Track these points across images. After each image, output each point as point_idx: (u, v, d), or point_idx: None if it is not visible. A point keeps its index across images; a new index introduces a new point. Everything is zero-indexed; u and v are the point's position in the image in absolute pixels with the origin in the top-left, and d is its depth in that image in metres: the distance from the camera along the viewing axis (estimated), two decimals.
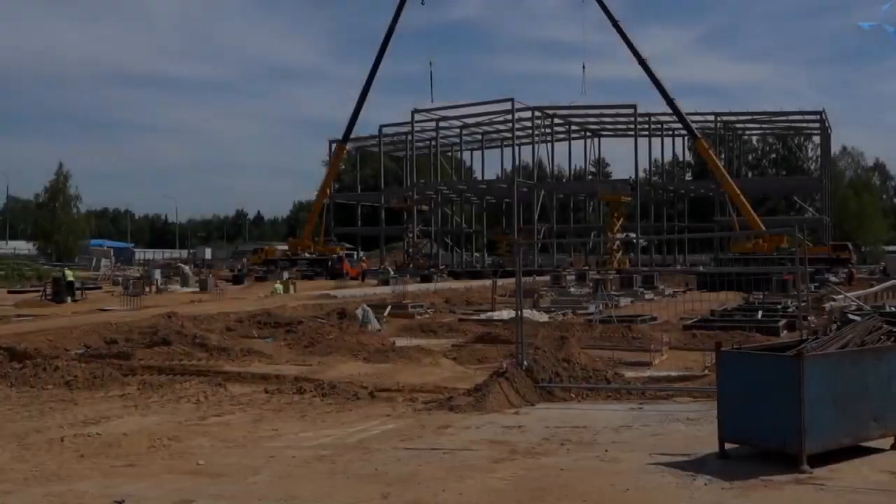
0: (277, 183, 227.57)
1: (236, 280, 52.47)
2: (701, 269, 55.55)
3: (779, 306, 26.08)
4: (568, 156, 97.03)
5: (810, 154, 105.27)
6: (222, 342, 19.05)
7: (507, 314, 24.69)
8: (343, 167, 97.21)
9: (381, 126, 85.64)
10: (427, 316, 28.52)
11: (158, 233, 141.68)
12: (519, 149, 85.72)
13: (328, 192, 78.85)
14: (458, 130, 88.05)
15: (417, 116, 78.24)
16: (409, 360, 16.46)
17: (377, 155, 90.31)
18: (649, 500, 6.02)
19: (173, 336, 19.19)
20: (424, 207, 78.31)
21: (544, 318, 25.86)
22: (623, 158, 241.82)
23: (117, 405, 11.09)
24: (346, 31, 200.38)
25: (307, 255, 70.55)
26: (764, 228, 60.40)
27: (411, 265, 70.07)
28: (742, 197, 65.01)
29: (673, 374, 14.16)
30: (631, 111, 76.24)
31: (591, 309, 27.55)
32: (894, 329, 7.63)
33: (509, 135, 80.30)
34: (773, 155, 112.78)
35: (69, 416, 10.21)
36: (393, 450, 7.80)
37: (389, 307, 28.56)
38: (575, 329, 21.34)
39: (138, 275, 52.05)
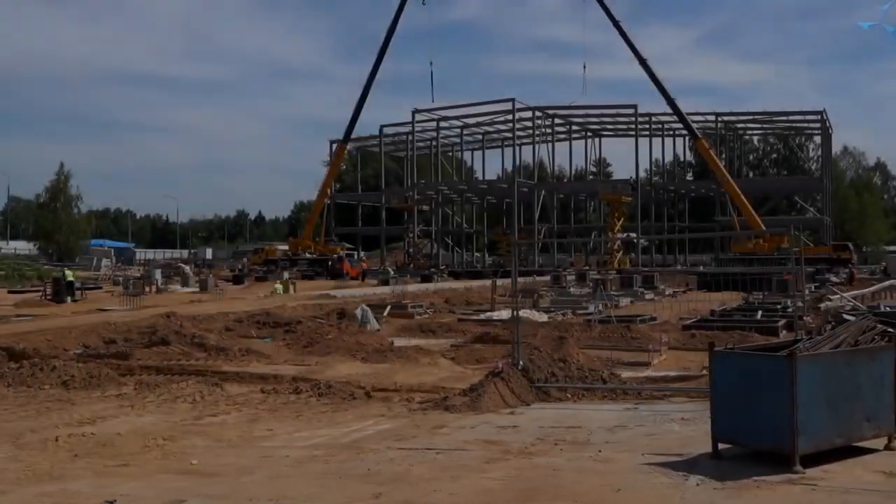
0: (278, 183, 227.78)
1: (236, 280, 52.51)
2: (701, 269, 55.55)
3: (778, 306, 26.05)
4: (569, 156, 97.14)
5: (811, 154, 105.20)
6: (221, 342, 19.07)
7: (506, 314, 24.67)
8: (344, 167, 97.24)
9: (382, 126, 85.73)
10: (426, 316, 28.51)
11: (159, 233, 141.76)
12: (519, 149, 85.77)
13: (329, 192, 78.88)
14: (458, 130, 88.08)
15: (418, 116, 78.30)
16: (407, 360, 16.47)
17: (378, 155, 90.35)
18: (641, 500, 6.01)
19: (172, 336, 19.20)
20: (425, 207, 78.32)
21: (544, 318, 25.85)
22: (624, 158, 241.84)
23: (113, 405, 11.09)
24: (348, 31, 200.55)
25: (308, 255, 70.58)
26: (764, 228, 60.38)
27: (412, 265, 70.08)
28: (743, 197, 65.00)
29: (671, 374, 14.16)
30: (631, 111, 76.23)
31: (591, 309, 27.53)
32: (888, 329, 7.62)
33: (510, 135, 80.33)
34: (774, 155, 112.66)
35: (65, 415, 10.22)
36: (387, 450, 7.80)
37: (389, 307, 28.56)
38: (574, 329, 21.34)
39: (138, 275, 52.09)
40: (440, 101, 79.75)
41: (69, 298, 34.24)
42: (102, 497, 6.26)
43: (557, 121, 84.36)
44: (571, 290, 39.33)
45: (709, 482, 6.35)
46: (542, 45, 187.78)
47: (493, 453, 7.53)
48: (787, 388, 6.54)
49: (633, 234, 67.07)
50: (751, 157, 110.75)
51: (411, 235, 75.87)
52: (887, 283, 29.46)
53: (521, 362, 10.75)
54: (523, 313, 26.43)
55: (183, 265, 64.88)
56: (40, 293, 36.67)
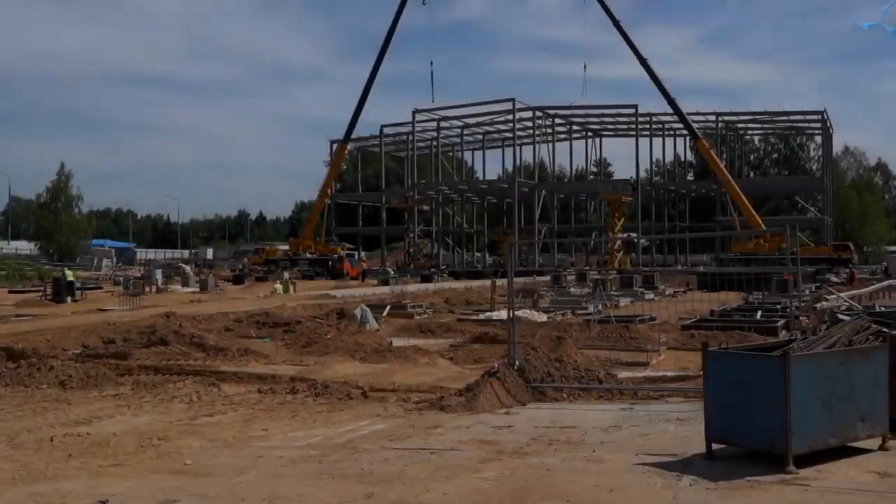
0: (279, 183, 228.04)
1: (237, 280, 52.55)
2: (701, 269, 55.52)
3: (778, 306, 26.02)
4: (569, 156, 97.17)
5: (812, 154, 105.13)
6: (220, 342, 19.08)
7: (505, 314, 24.63)
8: (344, 167, 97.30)
9: (382, 126, 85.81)
10: (426, 316, 28.50)
11: (160, 233, 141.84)
12: (520, 149, 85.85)
13: (329, 192, 78.95)
14: (459, 130, 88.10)
15: (418, 116, 78.34)
16: (405, 360, 16.47)
17: (378, 155, 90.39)
18: (633, 500, 6.01)
19: (171, 336, 19.21)
20: (425, 207, 78.34)
21: (543, 318, 25.84)
22: (624, 158, 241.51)
23: (110, 405, 11.10)
24: (348, 31, 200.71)
25: (308, 255, 70.63)
26: (765, 228, 60.35)
27: (412, 265, 70.10)
28: (743, 197, 64.99)
29: (669, 374, 14.15)
30: (632, 111, 76.26)
31: (590, 309, 27.53)
32: (883, 329, 7.61)
33: (510, 135, 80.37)
34: (775, 155, 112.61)
35: (61, 415, 10.22)
36: (381, 450, 7.80)
37: (388, 307, 28.56)
38: (572, 329, 21.33)
39: (139, 275, 52.12)
40: (441, 101, 79.73)
41: (69, 298, 34.29)
42: (95, 497, 6.26)
43: (558, 121, 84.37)
44: (571, 290, 39.31)
45: (702, 482, 6.35)
46: (542, 45, 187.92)
47: (488, 453, 7.53)
48: (780, 388, 6.53)
49: (634, 234, 67.07)
50: (751, 157, 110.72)
51: (411, 235, 75.89)
52: (886, 283, 29.41)
53: (517, 362, 10.74)
54: (523, 313, 26.50)
55: (183, 265, 64.95)
56: (40, 293, 36.70)
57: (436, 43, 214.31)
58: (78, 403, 11.21)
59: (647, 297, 36.00)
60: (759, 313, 23.52)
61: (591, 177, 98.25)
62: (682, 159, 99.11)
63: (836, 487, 6.15)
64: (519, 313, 25.92)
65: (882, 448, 7.18)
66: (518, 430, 8.59)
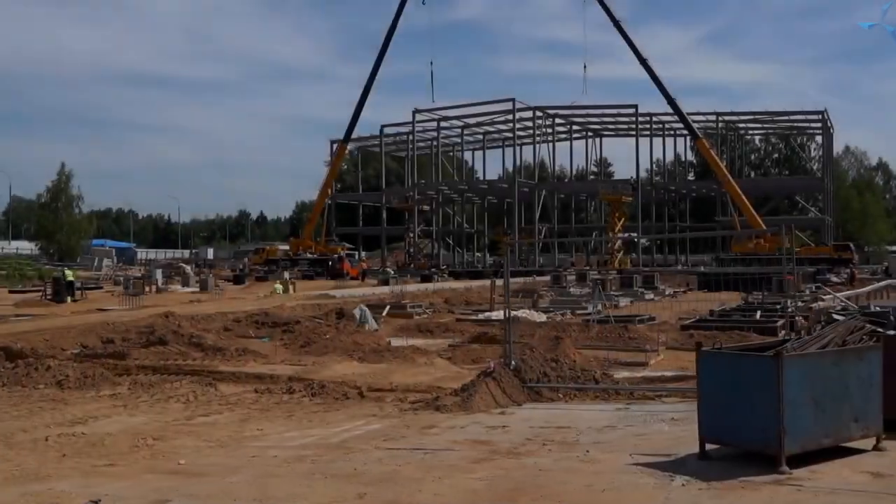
0: (280, 183, 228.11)
1: (237, 280, 52.56)
2: (702, 269, 55.50)
3: (778, 307, 26.01)
4: (569, 156, 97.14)
5: (813, 154, 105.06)
6: (218, 342, 19.07)
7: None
8: (345, 167, 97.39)
9: (383, 126, 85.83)
10: (425, 316, 28.50)
11: (161, 233, 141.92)
12: (520, 149, 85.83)
13: (329, 192, 78.99)
14: (459, 130, 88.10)
15: (418, 116, 78.37)
16: (403, 360, 16.47)
17: (379, 155, 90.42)
18: (625, 501, 6.00)
19: (170, 336, 19.21)
20: (426, 207, 78.34)
21: (542, 318, 25.84)
22: (626, 158, 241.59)
23: (106, 405, 11.10)
24: (349, 31, 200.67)
25: (308, 255, 70.67)
26: (765, 228, 60.34)
27: (412, 265, 70.10)
28: (743, 197, 64.96)
29: (667, 374, 14.14)
30: (632, 111, 76.23)
31: (590, 309, 27.52)
32: (877, 329, 7.60)
33: (510, 135, 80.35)
34: (776, 155, 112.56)
35: (57, 415, 10.23)
36: (375, 450, 7.80)
37: (388, 307, 28.57)
38: (571, 329, 21.33)
39: (139, 275, 52.15)
40: (441, 101, 79.90)
41: (69, 298, 34.31)
42: (87, 497, 6.27)
43: (558, 121, 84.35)
44: (572, 290, 39.29)
45: (694, 483, 6.34)
46: (543, 45, 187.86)
47: (481, 453, 7.52)
48: (773, 388, 6.52)
49: (634, 234, 67.08)
50: (752, 157, 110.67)
51: (412, 235, 75.91)
52: (884, 282, 29.38)
53: (513, 362, 10.74)
54: (522, 313, 26.53)
55: (184, 265, 65.00)
56: (40, 293, 36.72)
57: (436, 43, 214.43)
58: (74, 403, 11.22)
59: (646, 297, 35.99)
60: (759, 313, 23.50)
61: (592, 177, 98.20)
62: (683, 159, 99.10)
63: (828, 488, 6.15)
64: (518, 313, 26.02)
65: (876, 448, 7.17)
66: (513, 430, 8.58)
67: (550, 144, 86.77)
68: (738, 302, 27.14)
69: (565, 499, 6.00)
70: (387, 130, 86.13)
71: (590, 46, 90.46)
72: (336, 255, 65.87)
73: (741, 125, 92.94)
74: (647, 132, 79.87)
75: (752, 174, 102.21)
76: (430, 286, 44.50)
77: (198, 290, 42.56)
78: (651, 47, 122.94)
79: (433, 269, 61.85)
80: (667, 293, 38.20)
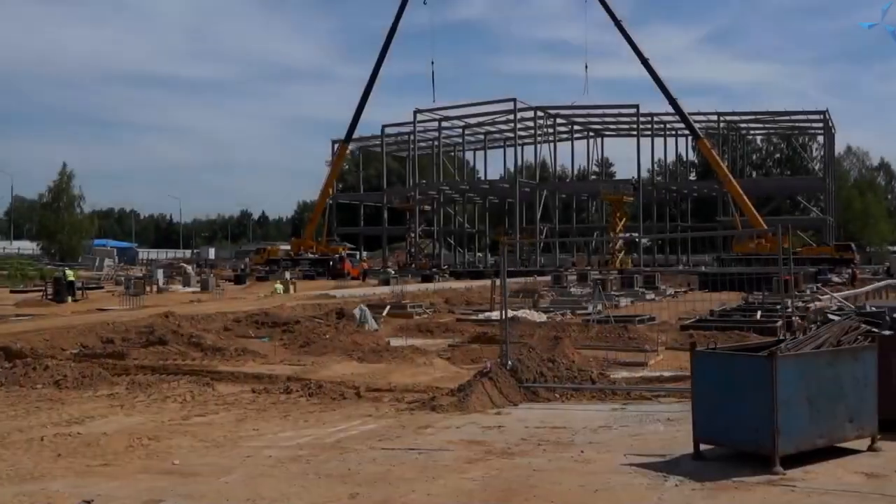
0: (282, 183, 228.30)
1: (238, 280, 52.60)
2: (703, 269, 55.46)
3: (778, 306, 25.98)
4: (571, 156, 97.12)
5: (815, 154, 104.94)
6: (218, 342, 19.09)
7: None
8: (346, 167, 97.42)
9: (384, 126, 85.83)
10: (425, 316, 28.50)
11: (163, 233, 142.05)
12: (521, 149, 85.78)
13: (330, 192, 79.02)
14: (460, 130, 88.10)
15: (419, 116, 78.40)
16: (402, 359, 16.47)
17: (380, 155, 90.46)
18: (618, 501, 5.99)
19: (169, 336, 19.23)
20: (427, 207, 78.36)
21: (542, 318, 25.83)
22: (627, 158, 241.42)
23: (103, 405, 11.11)
24: (351, 31, 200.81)
25: (310, 255, 70.71)
26: (766, 228, 60.26)
27: (413, 265, 70.11)
28: (744, 197, 64.90)
29: (666, 374, 14.12)
30: (633, 111, 76.18)
31: (590, 309, 27.51)
32: (872, 329, 7.59)
33: (512, 135, 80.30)
34: (778, 155, 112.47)
35: (54, 415, 10.24)
36: (369, 450, 7.79)
37: (388, 307, 28.58)
38: (571, 329, 21.32)
39: (140, 275, 52.21)
40: (442, 100, 79.67)
41: (70, 298, 34.37)
42: (80, 497, 6.27)
43: (559, 121, 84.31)
44: (572, 290, 39.27)
45: (687, 483, 6.33)
46: (544, 44, 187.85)
47: (476, 453, 7.52)
48: (767, 388, 6.51)
49: (635, 234, 67.05)
50: (754, 157, 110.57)
51: (413, 235, 75.92)
52: (884, 282, 29.33)
53: (509, 362, 10.73)
54: (522, 313, 26.53)
55: (185, 265, 65.08)
56: (41, 293, 36.78)
57: (437, 43, 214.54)
58: (71, 403, 11.22)
59: (647, 297, 35.96)
60: (759, 313, 23.48)
61: (593, 177, 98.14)
62: (684, 159, 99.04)
63: (821, 488, 6.13)
64: (518, 313, 26.05)
65: (871, 449, 7.16)
66: (508, 430, 8.58)
67: (552, 144, 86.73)
68: (738, 302, 27.12)
69: (558, 499, 5.99)
70: (388, 130, 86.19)
71: (591, 46, 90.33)
72: (337, 255, 65.91)
73: (742, 125, 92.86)
74: (649, 132, 79.81)
75: (754, 174, 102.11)
76: (430, 286, 44.50)
77: (198, 290, 42.60)
78: (652, 47, 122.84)
79: (434, 269, 61.84)
80: (668, 293, 38.17)
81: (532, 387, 10.53)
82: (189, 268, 60.31)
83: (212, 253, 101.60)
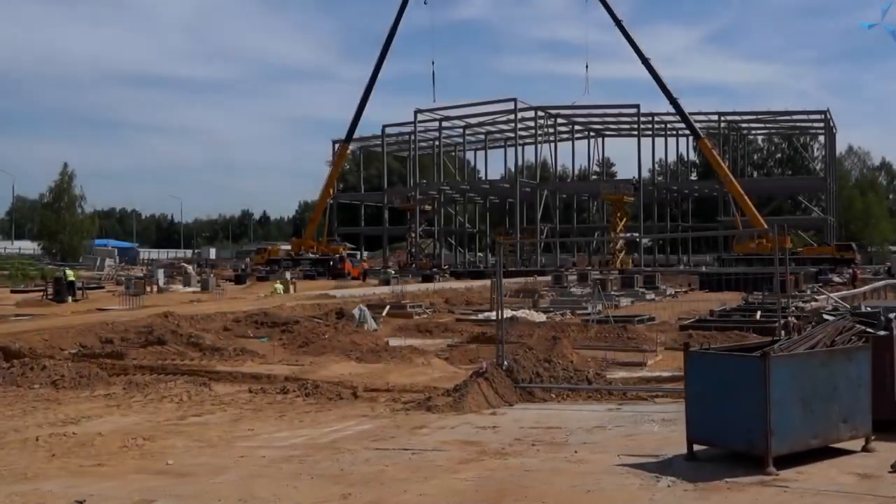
0: (283, 183, 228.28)
1: (238, 280, 52.61)
2: (703, 269, 55.43)
3: (783, 306, 25.94)
4: (571, 156, 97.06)
5: (816, 154, 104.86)
6: (216, 342, 19.11)
7: (505, 314, 24.67)
8: (347, 167, 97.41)
9: (384, 126, 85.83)
10: (425, 316, 28.51)
11: (164, 233, 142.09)
12: (522, 149, 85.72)
13: (331, 192, 79.01)
14: (461, 130, 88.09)
15: (420, 116, 78.40)
16: (401, 360, 16.48)
17: (381, 155, 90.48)
18: (609, 502, 5.98)
19: (168, 336, 19.26)
20: (427, 207, 78.35)
21: (542, 318, 25.84)
22: (628, 158, 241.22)
23: (100, 405, 11.12)
24: (353, 31, 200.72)
25: (310, 255, 70.72)
26: (767, 228, 60.20)
27: (414, 265, 70.12)
28: (745, 197, 64.83)
29: (664, 374, 14.11)
30: (634, 111, 76.15)
31: (589, 309, 27.50)
32: (867, 329, 7.57)
33: (512, 135, 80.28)
34: (779, 155, 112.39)
35: (50, 415, 10.25)
36: (364, 450, 7.79)
37: (388, 307, 28.58)
38: (570, 329, 21.33)
39: (141, 275, 52.24)
40: (444, 100, 79.94)
41: (70, 298, 34.41)
42: (72, 497, 6.28)
43: (560, 121, 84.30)
44: (573, 290, 39.25)
45: (680, 483, 6.32)
46: (544, 44, 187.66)
47: (469, 454, 7.51)
48: (760, 388, 6.50)
49: (636, 234, 67.02)
50: (755, 157, 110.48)
51: (413, 235, 75.92)
52: (882, 282, 29.29)
53: (505, 363, 10.73)
54: (521, 313, 26.53)
55: (186, 265, 65.13)
56: (42, 293, 36.81)
57: (437, 43, 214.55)
58: (68, 403, 11.23)
59: (647, 297, 35.95)
60: (759, 313, 23.46)
61: (594, 177, 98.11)
62: (685, 159, 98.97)
63: (814, 489, 6.12)
64: (518, 313, 26.06)
65: (865, 449, 7.14)
66: (502, 430, 8.57)
67: (552, 144, 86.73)
68: (738, 302, 27.10)
69: (549, 499, 5.98)
70: (389, 130, 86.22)
71: (592, 46, 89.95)
72: (337, 255, 65.91)
73: (744, 125, 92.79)
74: (650, 132, 79.76)
75: (755, 174, 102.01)
76: (431, 286, 44.49)
77: (199, 290, 42.62)
78: (653, 47, 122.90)
79: (434, 269, 61.83)
80: (668, 293, 38.15)
81: (528, 387, 10.53)
82: (190, 268, 60.36)
83: (213, 253, 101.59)
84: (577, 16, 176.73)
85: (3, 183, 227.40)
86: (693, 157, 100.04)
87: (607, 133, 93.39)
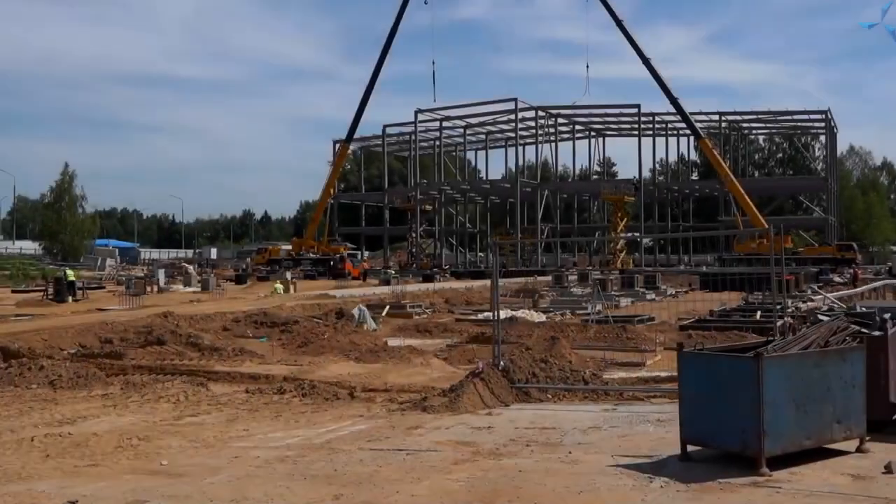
0: (285, 183, 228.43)
1: (239, 280, 52.64)
2: (704, 269, 55.39)
3: (778, 307, 25.87)
4: (572, 156, 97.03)
5: (817, 154, 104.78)
6: (215, 342, 19.13)
7: (504, 314, 24.67)
8: (348, 167, 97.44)
9: (385, 126, 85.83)
10: (425, 316, 28.52)
11: (165, 233, 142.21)
12: (523, 149, 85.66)
13: (332, 192, 79.01)
14: (461, 130, 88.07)
15: (421, 116, 78.40)
16: (399, 360, 16.49)
17: (382, 155, 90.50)
18: (602, 502, 5.98)
19: (168, 336, 19.27)
20: (428, 207, 78.35)
21: (541, 318, 25.83)
22: (629, 158, 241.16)
23: (97, 405, 11.12)
24: (353, 31, 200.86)
25: (311, 255, 70.75)
26: (768, 228, 60.11)
27: (415, 265, 70.13)
28: (746, 197, 64.79)
29: (662, 374, 14.09)
30: (635, 111, 76.11)
31: (589, 309, 27.48)
32: (861, 330, 7.56)
33: (513, 134, 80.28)
34: (780, 155, 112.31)
35: (46, 415, 10.25)
36: (358, 451, 7.79)
37: (388, 307, 28.60)
38: (570, 329, 21.33)
39: (142, 275, 52.28)
40: (445, 100, 79.80)
41: (70, 298, 34.46)
42: (65, 497, 6.28)
43: (561, 120, 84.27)
44: (573, 290, 39.24)
45: (672, 484, 6.32)
46: (545, 44, 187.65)
47: (463, 454, 7.51)
48: (753, 389, 6.49)
49: (637, 234, 67.00)
50: (756, 157, 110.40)
51: (414, 235, 75.92)
52: (881, 282, 29.23)
53: (501, 363, 10.73)
54: (521, 313, 26.52)
55: (186, 265, 65.19)
56: (42, 293, 36.86)
57: (438, 43, 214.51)
58: (65, 403, 11.24)
59: (648, 297, 35.92)
60: (759, 313, 23.43)
61: (595, 177, 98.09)
62: (686, 159, 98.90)
63: (807, 490, 6.12)
64: (517, 313, 26.06)
65: (859, 450, 7.13)
66: (497, 431, 8.57)
67: (553, 144, 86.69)
68: (738, 302, 27.06)
69: (542, 500, 5.98)
70: (389, 130, 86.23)
71: (592, 46, 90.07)
72: (338, 255, 65.93)
73: (744, 125, 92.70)
74: (650, 132, 79.73)
75: (756, 174, 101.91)
76: (431, 286, 44.50)
77: (199, 289, 42.65)
78: (654, 47, 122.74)
79: (435, 269, 61.83)
80: (669, 293, 38.12)
81: (524, 387, 10.52)
82: (190, 268, 60.43)
83: (214, 253, 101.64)
84: (577, 16, 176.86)
85: (4, 183, 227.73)
86: (694, 156, 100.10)
87: (608, 133, 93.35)
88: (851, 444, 7.16)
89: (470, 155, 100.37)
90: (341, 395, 11.52)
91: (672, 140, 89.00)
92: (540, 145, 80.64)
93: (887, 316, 7.90)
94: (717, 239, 77.83)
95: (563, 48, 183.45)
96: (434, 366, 16.03)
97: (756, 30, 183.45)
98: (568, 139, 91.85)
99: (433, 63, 72.01)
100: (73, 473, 7.17)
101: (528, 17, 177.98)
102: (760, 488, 6.15)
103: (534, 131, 79.31)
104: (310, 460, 7.41)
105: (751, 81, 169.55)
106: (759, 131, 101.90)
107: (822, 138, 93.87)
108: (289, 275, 49.40)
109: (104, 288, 44.87)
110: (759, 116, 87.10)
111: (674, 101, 65.99)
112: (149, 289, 40.48)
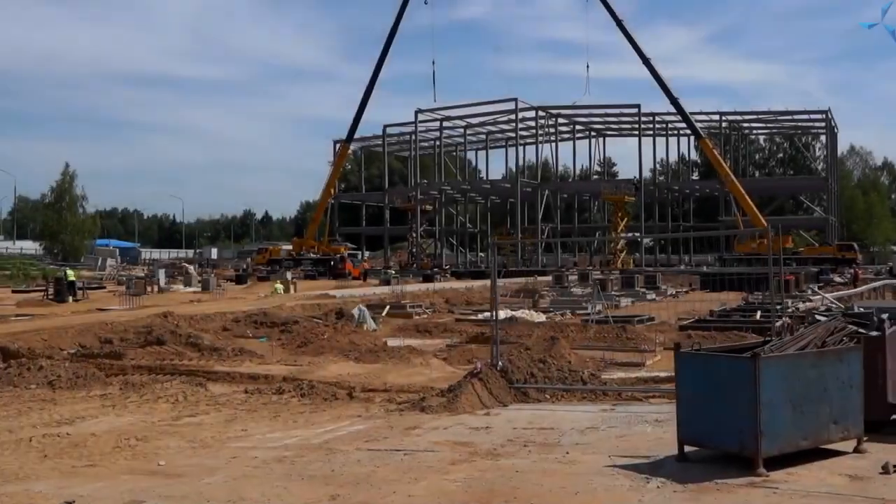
0: (285, 183, 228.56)
1: (239, 280, 52.66)
2: (705, 269, 55.37)
3: (778, 307, 25.87)
4: (572, 156, 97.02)
5: (818, 154, 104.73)
6: (215, 342, 19.13)
7: (503, 314, 24.68)
8: (349, 167, 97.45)
9: (385, 126, 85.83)
10: (424, 316, 28.52)
11: (166, 233, 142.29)
12: (523, 149, 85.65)
13: (332, 192, 79.02)
14: (462, 130, 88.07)
15: (421, 116, 78.40)
16: (399, 360, 16.49)
17: (382, 155, 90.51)
18: (599, 502, 5.98)
19: (167, 336, 19.28)
20: (429, 207, 78.35)
21: (541, 318, 25.83)
22: (630, 158, 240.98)
23: (95, 405, 11.13)
24: (353, 31, 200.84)
25: (311, 255, 70.76)
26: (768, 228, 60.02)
27: (415, 265, 70.14)
28: (746, 196, 64.78)
29: (661, 374, 14.09)
30: (635, 111, 76.09)
31: (589, 309, 27.48)
32: (859, 330, 7.56)
33: (513, 134, 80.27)
34: (781, 155, 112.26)
35: (45, 415, 10.26)
36: (356, 451, 7.79)
37: (388, 307, 28.60)
38: (569, 329, 21.32)
39: (142, 275, 52.30)
40: (445, 100, 79.79)
41: (70, 298, 34.48)
42: (62, 497, 6.28)
43: (561, 120, 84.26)
44: (573, 290, 39.23)
45: (669, 485, 6.32)
46: (546, 44, 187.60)
47: (461, 455, 7.51)
48: (750, 389, 6.49)
49: (637, 234, 67.00)
50: (757, 157, 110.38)
51: (414, 235, 75.92)
52: (881, 282, 29.23)
53: (499, 363, 10.73)
54: (521, 313, 26.52)
55: (187, 265, 65.22)
56: (42, 293, 36.89)
57: (438, 43, 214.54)
58: (64, 403, 11.24)
59: (648, 297, 35.92)
60: (759, 313, 23.42)
61: (595, 177, 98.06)
62: (687, 159, 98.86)
63: (804, 490, 6.11)
64: (517, 313, 26.06)
65: (857, 451, 7.13)
66: (495, 431, 8.57)
67: (553, 144, 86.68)
68: (738, 302, 27.06)
69: (538, 501, 5.98)
70: (390, 130, 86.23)
71: (592, 46, 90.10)
72: (338, 255, 65.95)
73: (745, 125, 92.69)
74: (651, 132, 79.73)
75: (757, 174, 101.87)
76: (431, 286, 44.51)
77: (200, 289, 42.67)
78: (655, 47, 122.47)
79: (435, 269, 61.84)
80: (669, 293, 38.12)
81: (522, 387, 10.52)
82: (191, 268, 60.47)
83: (214, 253, 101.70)
84: (577, 16, 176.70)
85: (4, 183, 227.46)
86: (694, 156, 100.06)
87: (608, 133, 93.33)
88: (849, 445, 7.16)
89: (470, 155, 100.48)
90: (340, 396, 11.52)
91: (672, 140, 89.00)
92: (540, 145, 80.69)
93: (885, 316, 7.89)
94: (717, 239, 77.78)
95: (563, 48, 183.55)
96: (433, 366, 16.03)
97: (757, 30, 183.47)
98: (568, 139, 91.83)
99: (433, 63, 71.98)
100: (71, 474, 7.17)
101: (529, 17, 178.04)
102: (757, 489, 6.15)
103: (534, 131, 79.29)
104: (307, 461, 7.42)
105: (751, 81, 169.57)
106: (760, 131, 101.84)
107: (823, 138, 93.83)
108: (289, 275, 49.41)
109: (104, 288, 44.90)
110: (760, 116, 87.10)
111: (674, 101, 65.97)
112: (149, 289, 40.49)
